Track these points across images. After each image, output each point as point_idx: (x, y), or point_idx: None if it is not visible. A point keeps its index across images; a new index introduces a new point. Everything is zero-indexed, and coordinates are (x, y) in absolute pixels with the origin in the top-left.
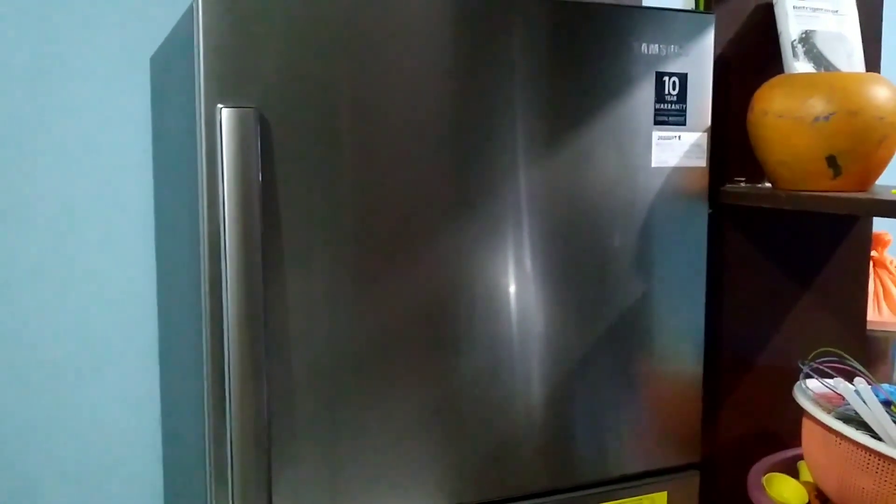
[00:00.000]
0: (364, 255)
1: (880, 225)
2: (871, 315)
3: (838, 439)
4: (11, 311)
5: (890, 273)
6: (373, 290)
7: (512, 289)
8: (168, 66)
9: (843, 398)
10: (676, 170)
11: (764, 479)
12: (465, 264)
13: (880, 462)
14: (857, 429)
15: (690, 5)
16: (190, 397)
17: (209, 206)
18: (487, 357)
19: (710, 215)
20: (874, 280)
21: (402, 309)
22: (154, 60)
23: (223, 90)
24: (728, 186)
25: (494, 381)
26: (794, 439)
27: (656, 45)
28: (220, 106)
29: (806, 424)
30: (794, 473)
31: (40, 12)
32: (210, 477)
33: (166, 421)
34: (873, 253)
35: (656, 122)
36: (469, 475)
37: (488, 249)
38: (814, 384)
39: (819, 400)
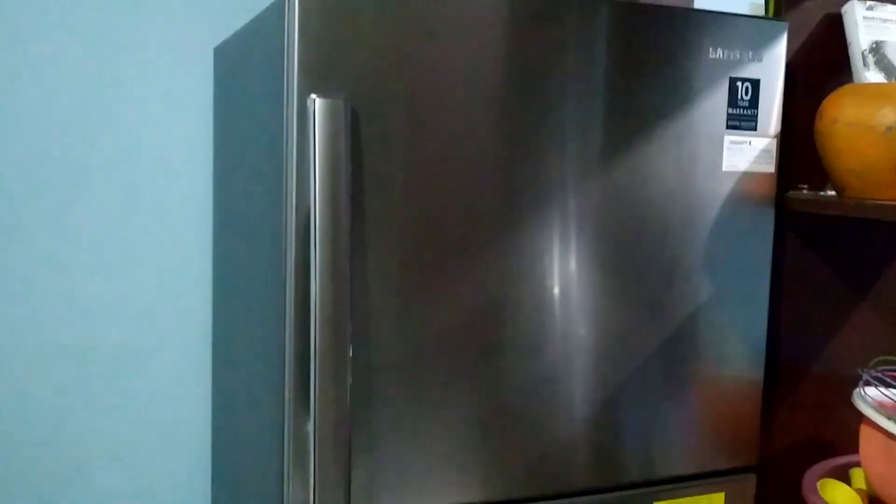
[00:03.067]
0: (431, 253)
1: None
2: None
3: None
4: (70, 294)
5: None
6: (438, 288)
7: (566, 292)
8: (243, 56)
9: None
10: (746, 174)
11: (819, 484)
12: (530, 264)
13: None
14: None
15: (751, 10)
16: (259, 384)
17: (298, 195)
18: (541, 356)
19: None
20: None
21: (466, 308)
22: (220, 51)
23: (315, 81)
24: (792, 193)
25: (548, 380)
26: (846, 447)
27: (728, 51)
28: (313, 96)
29: (865, 431)
30: (846, 480)
31: (105, 3)
32: (288, 461)
33: (218, 406)
34: None
35: (728, 127)
36: (523, 470)
37: (544, 254)
38: (872, 392)
39: (879, 409)
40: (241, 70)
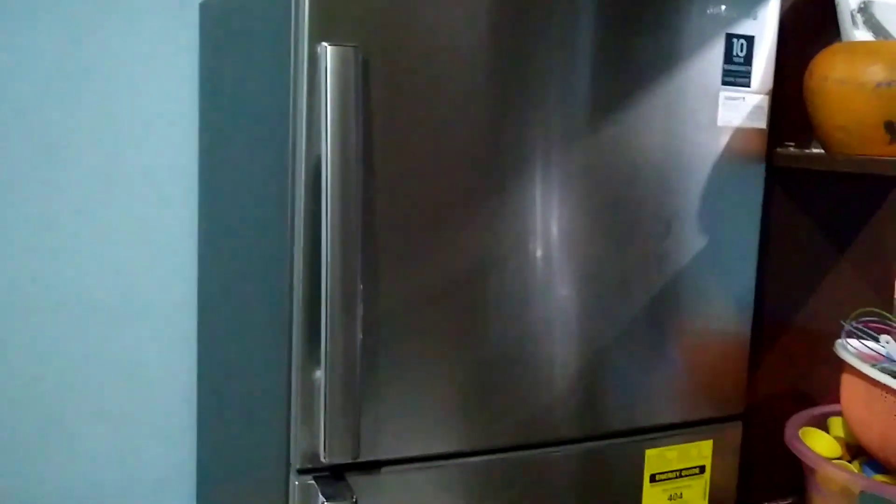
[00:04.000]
0: (435, 208)
1: None
2: None
3: (884, 392)
4: (53, 254)
5: None
6: (433, 245)
7: (565, 244)
8: (238, 9)
9: (884, 357)
10: (739, 130)
11: (800, 432)
12: (526, 218)
13: None
14: None
15: None
16: (261, 337)
17: (308, 145)
18: (540, 308)
19: None
20: None
21: (462, 263)
22: (206, 6)
23: (325, 29)
24: (779, 150)
25: (546, 331)
26: (825, 398)
27: (724, 7)
28: (324, 44)
29: (846, 380)
30: (825, 429)
31: None
32: (296, 411)
33: (206, 363)
34: None
35: (724, 83)
36: (522, 419)
37: (544, 206)
38: (854, 343)
39: (861, 357)
40: (234, 24)
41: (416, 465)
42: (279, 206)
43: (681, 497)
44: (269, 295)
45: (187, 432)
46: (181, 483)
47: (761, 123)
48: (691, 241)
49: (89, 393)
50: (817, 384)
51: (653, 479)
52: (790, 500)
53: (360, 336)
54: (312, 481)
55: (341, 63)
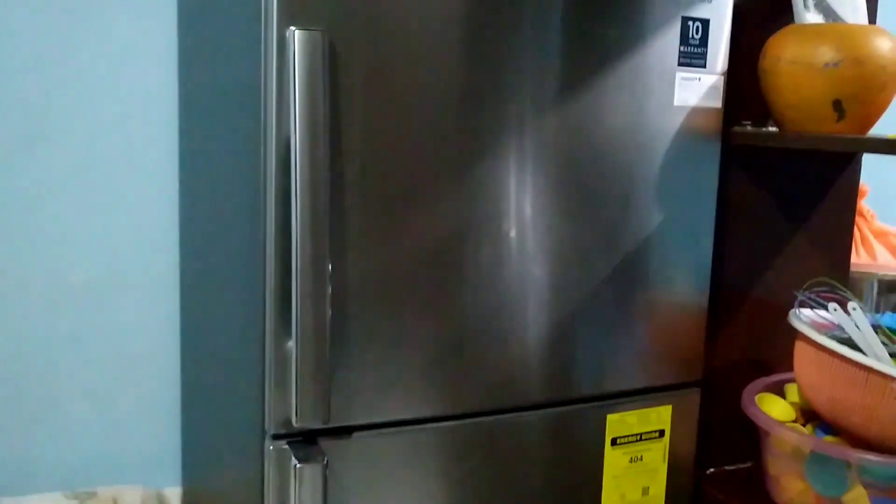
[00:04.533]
0: (402, 183)
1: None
2: (852, 259)
3: (831, 357)
4: (36, 235)
5: (867, 221)
6: (407, 217)
7: (529, 218)
8: None
9: (834, 325)
10: (695, 109)
11: (756, 398)
12: (492, 194)
13: (867, 376)
14: None
15: None
16: (237, 308)
17: (278, 126)
18: (505, 278)
19: None
20: (854, 228)
21: (432, 236)
22: None
23: (293, 14)
24: (736, 128)
25: (512, 301)
26: (782, 366)
27: None
28: (292, 28)
29: (799, 347)
30: (782, 395)
31: None
32: (270, 380)
33: (188, 338)
34: None
35: (680, 64)
36: (487, 385)
37: (509, 182)
38: (807, 312)
39: (812, 326)
40: (209, 8)
41: (386, 430)
42: (252, 184)
43: (641, 460)
44: (244, 270)
45: (172, 409)
46: (167, 458)
47: (717, 103)
48: (650, 216)
49: (75, 372)
50: (775, 353)
51: (614, 442)
52: (749, 464)
53: (329, 308)
54: (287, 446)
55: (309, 46)
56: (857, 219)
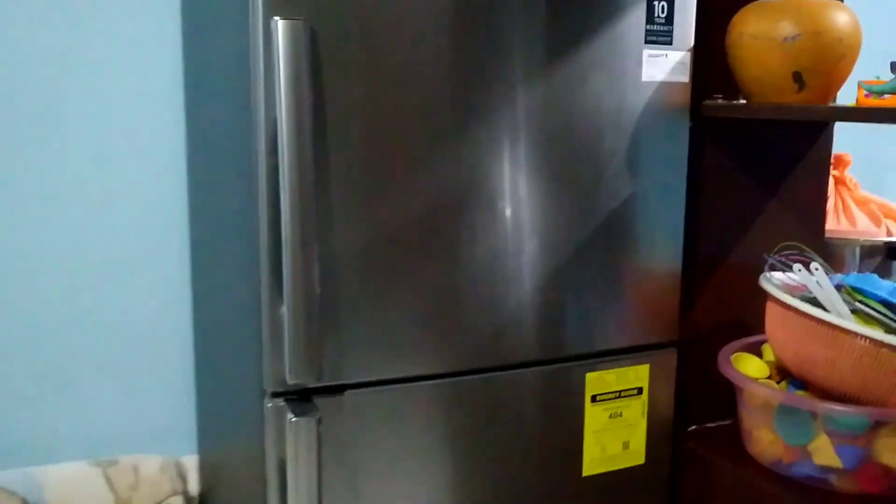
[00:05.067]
0: (386, 159)
1: (842, 147)
2: (832, 226)
3: (796, 315)
4: (54, 221)
5: (849, 190)
6: (397, 182)
7: (511, 189)
8: None
9: (804, 287)
10: (663, 84)
11: (732, 357)
12: (479, 165)
13: (829, 331)
14: None
15: None
16: (237, 281)
17: (266, 107)
18: (490, 246)
19: (691, 128)
20: (835, 196)
21: (421, 202)
22: None
23: (277, 5)
24: (707, 102)
25: (496, 267)
26: (759, 329)
27: None
28: (276, 18)
29: (769, 307)
30: (759, 355)
31: None
32: (266, 344)
33: (198, 312)
34: (835, 172)
35: (646, 42)
36: (473, 346)
37: (491, 155)
38: (778, 276)
39: (782, 288)
40: (205, 1)
41: (377, 388)
42: (245, 165)
43: (621, 415)
44: (241, 243)
45: (187, 382)
46: (183, 429)
47: (684, 77)
48: (622, 186)
49: (96, 348)
50: (753, 316)
51: (594, 399)
52: (729, 422)
53: (316, 275)
54: (283, 403)
55: (291, 35)
56: (839, 187)
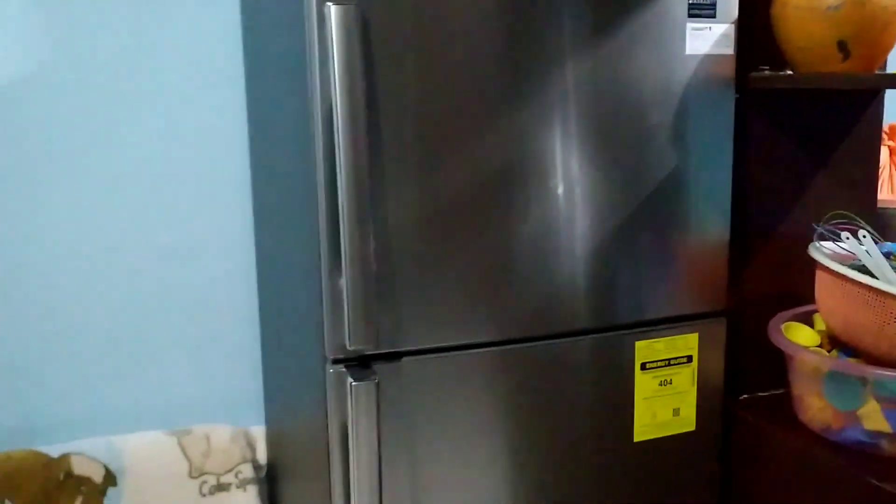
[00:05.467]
0: (438, 136)
1: None
2: (887, 196)
3: (845, 282)
4: (127, 205)
5: None
6: (451, 155)
7: (562, 162)
8: None
9: (854, 255)
10: (708, 57)
11: (783, 326)
12: (524, 141)
13: (878, 298)
14: None
15: None
16: (299, 255)
17: (322, 89)
18: (541, 217)
19: (737, 100)
20: (890, 166)
21: (475, 173)
22: None
23: None
24: (754, 74)
25: (547, 238)
26: (810, 298)
27: None
28: (329, 4)
29: (818, 276)
30: (811, 325)
31: None
32: (327, 313)
33: (263, 286)
34: (890, 142)
35: (690, 16)
36: (526, 315)
37: (541, 130)
38: (827, 245)
39: (831, 257)
40: None
41: (433, 355)
42: (303, 144)
43: (670, 383)
44: (302, 221)
45: (254, 355)
46: (252, 400)
47: (729, 50)
48: (669, 158)
49: (169, 324)
50: (804, 286)
51: (643, 367)
52: (781, 391)
53: (372, 247)
54: (344, 369)
55: (343, 20)
56: (894, 157)
